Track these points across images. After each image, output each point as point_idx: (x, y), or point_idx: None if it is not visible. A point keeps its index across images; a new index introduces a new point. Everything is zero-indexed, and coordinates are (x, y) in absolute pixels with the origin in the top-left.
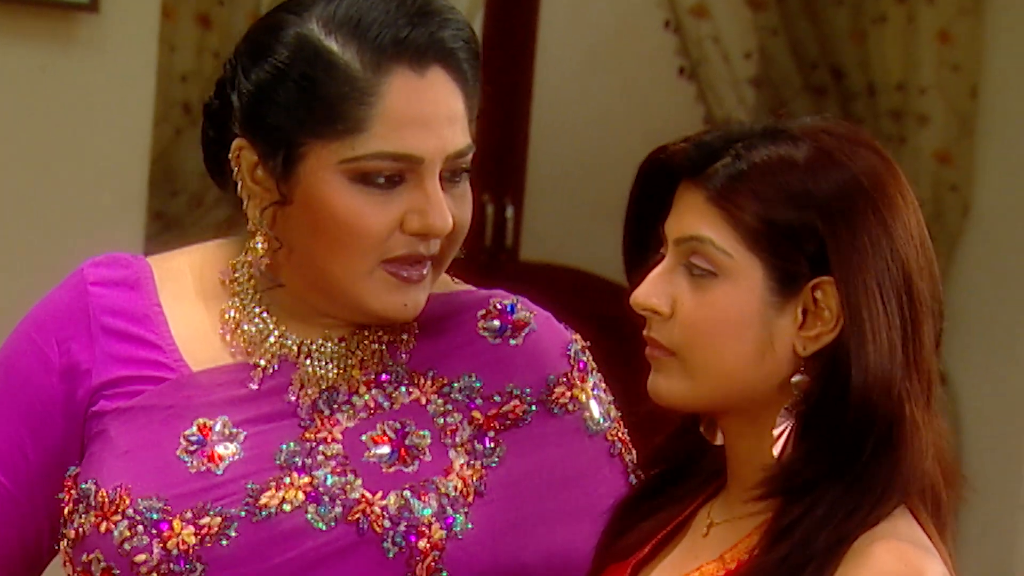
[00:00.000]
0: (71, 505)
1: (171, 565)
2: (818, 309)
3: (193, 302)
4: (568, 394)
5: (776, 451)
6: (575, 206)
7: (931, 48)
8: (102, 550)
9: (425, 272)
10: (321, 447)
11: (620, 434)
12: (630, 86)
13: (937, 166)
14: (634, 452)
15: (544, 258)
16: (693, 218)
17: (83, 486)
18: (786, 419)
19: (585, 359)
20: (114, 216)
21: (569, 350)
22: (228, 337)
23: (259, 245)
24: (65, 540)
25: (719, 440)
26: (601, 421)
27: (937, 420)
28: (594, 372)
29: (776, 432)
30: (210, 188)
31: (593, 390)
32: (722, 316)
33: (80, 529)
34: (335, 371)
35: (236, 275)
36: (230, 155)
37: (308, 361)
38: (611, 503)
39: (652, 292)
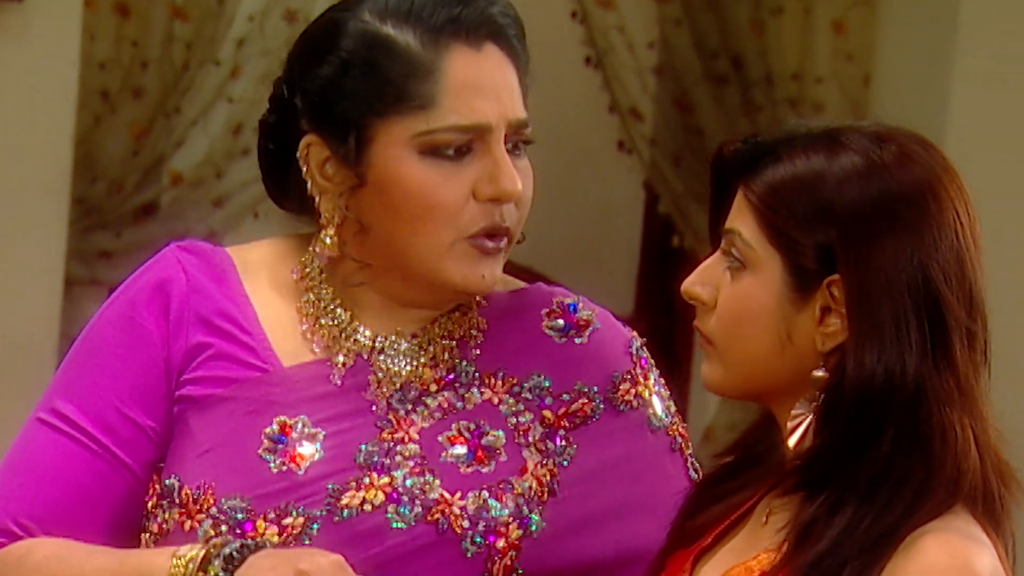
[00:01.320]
0: (154, 500)
1: None
2: (836, 307)
3: (272, 296)
4: (633, 391)
5: (792, 443)
6: None
7: (826, 38)
8: None
9: (502, 244)
10: (399, 447)
11: (680, 429)
12: (537, 74)
13: None
14: (691, 446)
15: None
16: (735, 212)
17: (167, 482)
18: (803, 411)
19: (646, 356)
20: (38, 202)
21: (631, 347)
22: (309, 333)
23: (328, 239)
24: (147, 534)
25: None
26: (663, 417)
27: (984, 421)
28: (654, 368)
29: (791, 424)
30: (130, 174)
31: (655, 386)
32: (744, 306)
33: (163, 525)
34: (408, 368)
35: (307, 271)
36: (298, 153)
37: (382, 357)
38: (674, 496)
39: (696, 281)
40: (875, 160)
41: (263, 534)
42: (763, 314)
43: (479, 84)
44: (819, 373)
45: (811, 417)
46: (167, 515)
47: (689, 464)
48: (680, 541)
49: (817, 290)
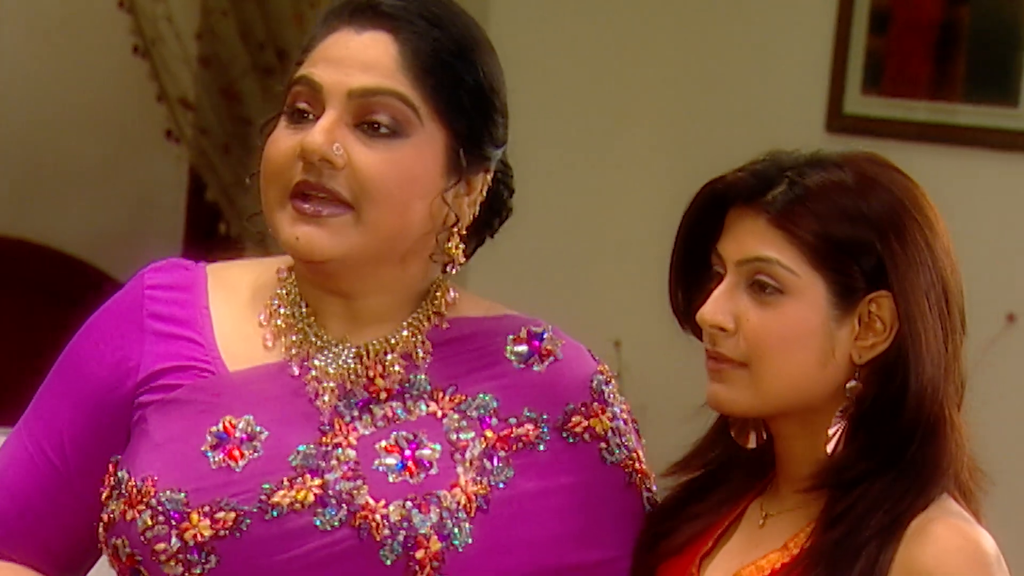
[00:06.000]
0: (108, 491)
1: (188, 555)
2: (871, 320)
3: (242, 307)
4: (585, 423)
5: (829, 449)
6: (26, 179)
7: None
8: (127, 536)
9: (324, 212)
10: (336, 451)
11: (638, 464)
12: (84, 63)
13: None
14: (652, 478)
15: None
16: (755, 240)
17: (119, 474)
18: (839, 420)
19: (607, 390)
20: None
21: (592, 381)
22: (265, 323)
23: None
24: (100, 524)
25: (752, 443)
26: (617, 452)
27: (962, 419)
28: (617, 404)
29: (831, 432)
30: None
31: (612, 421)
32: (790, 330)
33: (111, 515)
34: (353, 376)
35: (290, 273)
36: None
37: (322, 361)
38: (624, 532)
39: (717, 310)
40: (875, 175)
41: (196, 526)
42: (810, 334)
43: (335, 54)
44: (853, 384)
45: (843, 424)
46: (115, 505)
47: (645, 500)
48: (657, 560)
49: (857, 305)
